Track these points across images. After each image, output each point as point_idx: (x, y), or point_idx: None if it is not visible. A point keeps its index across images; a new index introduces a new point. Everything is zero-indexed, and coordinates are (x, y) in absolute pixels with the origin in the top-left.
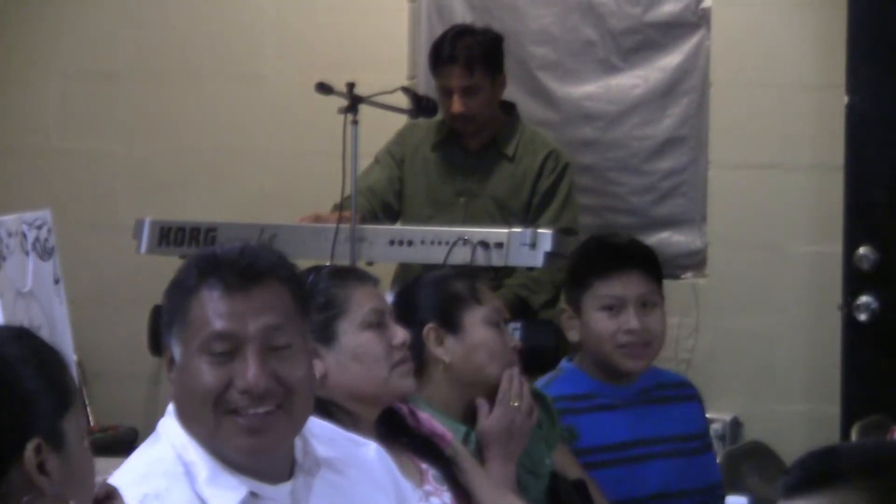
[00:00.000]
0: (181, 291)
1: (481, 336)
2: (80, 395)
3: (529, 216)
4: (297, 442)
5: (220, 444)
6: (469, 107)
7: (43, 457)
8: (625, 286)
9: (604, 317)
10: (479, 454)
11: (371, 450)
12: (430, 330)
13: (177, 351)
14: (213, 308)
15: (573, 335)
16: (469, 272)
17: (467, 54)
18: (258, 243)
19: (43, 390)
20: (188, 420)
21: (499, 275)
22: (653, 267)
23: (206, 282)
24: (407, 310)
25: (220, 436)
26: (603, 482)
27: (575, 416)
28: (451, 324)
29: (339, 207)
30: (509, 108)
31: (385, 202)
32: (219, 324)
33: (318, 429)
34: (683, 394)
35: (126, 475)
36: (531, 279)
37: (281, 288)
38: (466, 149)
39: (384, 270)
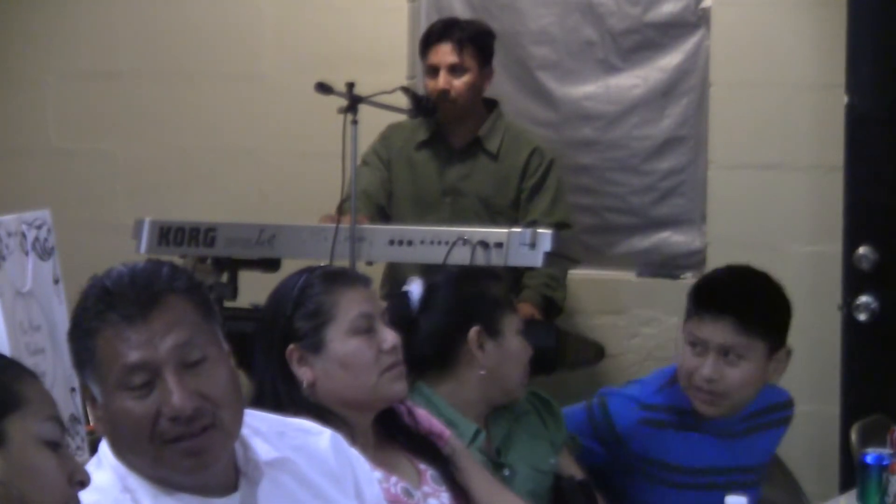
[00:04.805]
0: (83, 333)
1: (516, 345)
2: (44, 403)
3: (519, 213)
4: (238, 448)
5: (161, 470)
6: (454, 86)
7: None
8: (711, 331)
9: (689, 352)
10: (486, 453)
11: (324, 438)
12: (476, 332)
13: (95, 391)
14: (119, 343)
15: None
16: (499, 276)
17: (458, 35)
18: (147, 260)
19: None
20: (126, 455)
21: (517, 274)
22: (750, 317)
23: (106, 319)
24: (437, 303)
25: (161, 463)
26: (668, 500)
27: (663, 430)
28: (493, 329)
29: (341, 209)
30: (492, 105)
31: (379, 205)
32: (129, 357)
33: (265, 424)
34: (776, 418)
35: None
36: (550, 277)
37: (181, 301)
38: (450, 147)
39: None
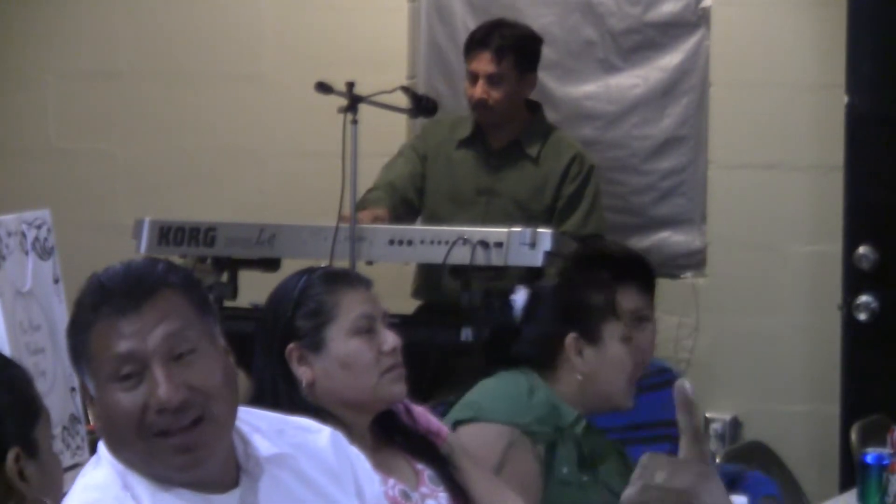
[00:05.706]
0: (79, 329)
1: (616, 352)
2: (44, 406)
3: (554, 220)
4: (238, 444)
5: (156, 467)
6: (491, 95)
7: (21, 464)
8: (620, 301)
9: None
10: (585, 439)
11: (324, 436)
12: (572, 339)
13: (90, 385)
14: (111, 335)
15: None
16: (602, 282)
17: (499, 42)
18: (142, 258)
19: (13, 404)
20: (118, 450)
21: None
22: (647, 279)
23: (100, 313)
24: (539, 312)
25: (154, 459)
26: None
27: None
28: (592, 336)
29: (363, 203)
30: (535, 108)
31: (405, 198)
32: (118, 347)
33: (265, 422)
34: (664, 380)
35: (75, 501)
36: None
37: (174, 295)
38: (490, 148)
39: (387, 271)
